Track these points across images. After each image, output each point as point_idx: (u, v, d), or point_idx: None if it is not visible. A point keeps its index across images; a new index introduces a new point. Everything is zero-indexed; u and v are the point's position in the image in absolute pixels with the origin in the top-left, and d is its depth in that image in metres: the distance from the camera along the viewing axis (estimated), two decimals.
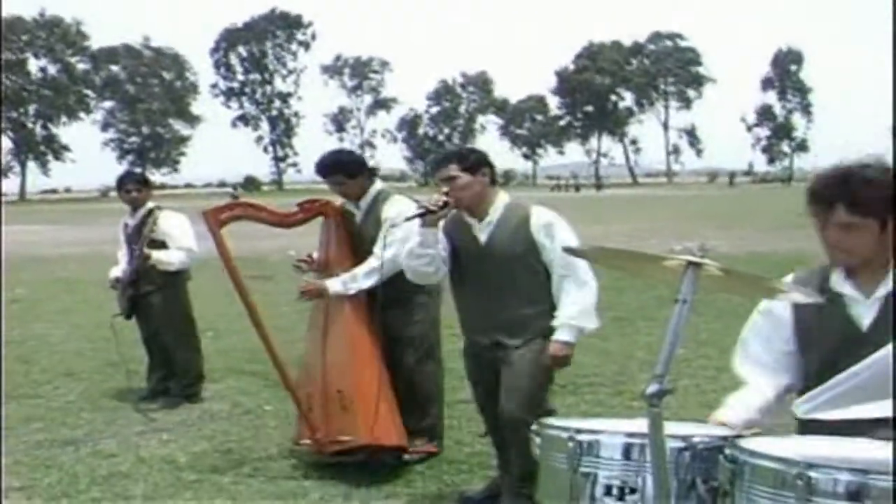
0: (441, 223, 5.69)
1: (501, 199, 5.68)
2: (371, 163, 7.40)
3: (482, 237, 5.63)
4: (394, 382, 6.81)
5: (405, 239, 6.02)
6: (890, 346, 2.56)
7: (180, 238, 8.89)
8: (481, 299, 5.63)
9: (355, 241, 6.98)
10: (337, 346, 6.78)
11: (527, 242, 5.52)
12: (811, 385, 3.31)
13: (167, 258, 8.83)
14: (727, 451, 2.80)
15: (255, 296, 6.73)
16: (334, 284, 6.78)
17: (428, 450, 6.85)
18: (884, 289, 3.40)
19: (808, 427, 3.25)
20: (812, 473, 2.57)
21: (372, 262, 6.69)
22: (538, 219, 5.54)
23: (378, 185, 7.04)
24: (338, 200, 7.11)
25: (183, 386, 9.02)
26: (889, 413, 2.82)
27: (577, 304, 5.46)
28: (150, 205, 9.00)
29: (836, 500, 2.55)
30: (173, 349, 9.08)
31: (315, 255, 7.17)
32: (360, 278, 6.73)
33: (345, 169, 6.91)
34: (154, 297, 8.91)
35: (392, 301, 6.65)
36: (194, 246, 8.90)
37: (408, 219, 5.77)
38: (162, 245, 8.84)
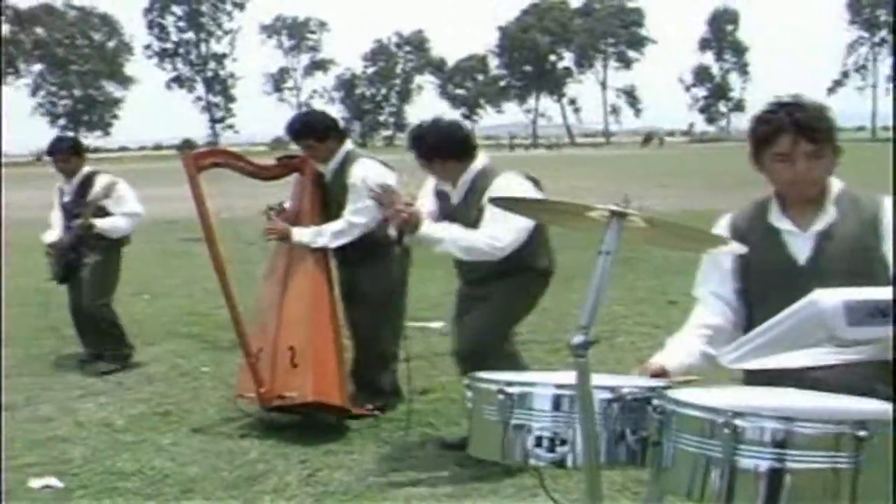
0: (432, 184, 6.09)
1: (476, 165, 5.90)
2: None
3: (454, 199, 5.93)
4: (353, 340, 6.99)
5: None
6: (814, 294, 2.59)
7: (125, 203, 8.74)
8: None
9: (325, 199, 7.04)
10: (296, 302, 6.80)
11: (482, 207, 5.70)
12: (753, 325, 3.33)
13: (112, 225, 8.68)
14: (655, 402, 2.83)
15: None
16: (301, 234, 6.85)
17: (370, 412, 6.86)
18: (820, 223, 3.47)
19: (756, 378, 3.25)
20: (738, 422, 2.59)
21: (341, 224, 6.79)
22: (492, 187, 5.71)
23: (347, 145, 7.05)
24: None
25: (115, 353, 8.83)
26: (814, 362, 2.86)
27: (468, 232, 5.69)
28: (86, 170, 8.87)
29: (763, 447, 2.58)
30: (95, 311, 8.79)
31: (287, 205, 7.18)
32: (328, 236, 6.82)
33: (313, 133, 6.90)
34: (90, 259, 8.68)
35: (357, 259, 6.86)
36: (140, 209, 8.84)
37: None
38: (102, 211, 8.65)
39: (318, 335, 6.71)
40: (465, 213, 5.80)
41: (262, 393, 6.64)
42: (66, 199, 8.87)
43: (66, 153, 8.87)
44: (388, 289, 6.97)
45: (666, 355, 3.45)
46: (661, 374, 3.28)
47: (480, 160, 5.92)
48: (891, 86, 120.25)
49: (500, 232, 5.58)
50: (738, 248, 3.21)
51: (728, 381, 4.30)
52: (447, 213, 5.94)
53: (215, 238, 6.67)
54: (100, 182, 8.73)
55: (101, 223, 8.60)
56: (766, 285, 3.45)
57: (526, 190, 5.71)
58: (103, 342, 8.88)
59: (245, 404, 6.93)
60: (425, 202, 6.08)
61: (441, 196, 6.03)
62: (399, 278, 7.05)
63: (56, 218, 9.02)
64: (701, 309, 3.69)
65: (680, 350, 3.50)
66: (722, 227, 3.72)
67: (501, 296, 5.92)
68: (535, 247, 5.84)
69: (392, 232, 5.93)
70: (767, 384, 3.15)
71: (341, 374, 6.74)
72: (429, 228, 5.73)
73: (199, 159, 6.58)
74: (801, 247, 3.48)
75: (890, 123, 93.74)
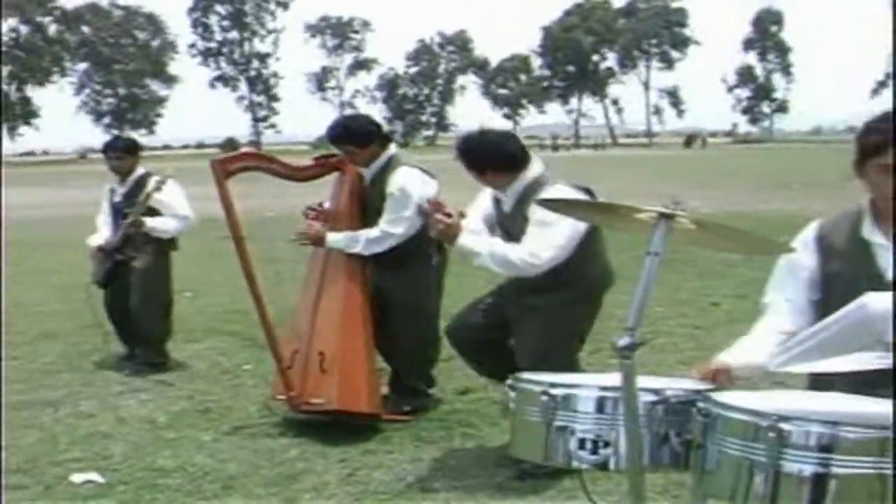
0: (488, 194, 6.00)
1: (527, 174, 5.75)
2: None
3: (506, 207, 5.85)
4: (385, 343, 6.91)
5: (413, 217, 6.50)
6: (863, 298, 2.56)
7: (176, 206, 8.67)
8: None
9: (364, 202, 6.97)
10: (328, 307, 6.76)
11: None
12: None
13: (163, 226, 8.62)
14: (700, 405, 2.81)
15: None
16: (336, 239, 6.79)
17: (403, 415, 6.84)
18: None
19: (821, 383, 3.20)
20: (783, 426, 2.57)
21: (376, 233, 6.71)
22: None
23: (391, 150, 6.93)
24: None
25: (146, 354, 8.77)
26: (861, 366, 2.83)
27: (507, 247, 5.61)
28: (140, 171, 8.82)
29: (808, 451, 2.56)
30: (139, 316, 8.72)
31: (326, 204, 7.14)
32: (363, 243, 6.74)
33: (353, 139, 6.80)
34: (137, 262, 8.62)
35: (392, 265, 6.79)
36: (190, 213, 8.74)
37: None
38: (152, 212, 8.62)
39: (347, 341, 6.67)
40: (514, 221, 5.71)
41: (292, 397, 6.66)
42: (118, 199, 8.83)
43: (121, 150, 8.82)
44: (422, 293, 6.92)
45: (732, 354, 3.38)
46: (724, 371, 3.22)
47: (534, 168, 5.77)
48: None
49: (538, 249, 5.48)
50: (792, 248, 3.15)
51: (770, 385, 4.25)
52: (500, 219, 5.90)
53: (245, 245, 6.64)
54: (152, 182, 8.61)
55: (150, 221, 8.54)
56: (848, 298, 3.16)
57: None
58: (139, 344, 8.87)
59: (277, 406, 6.96)
60: (482, 206, 6.03)
61: (497, 202, 5.95)
62: (433, 283, 7.00)
63: (103, 221, 8.99)
64: (773, 316, 3.60)
65: (748, 351, 3.41)
66: (808, 233, 3.62)
67: (551, 318, 5.76)
68: (584, 258, 5.69)
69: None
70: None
71: (370, 380, 6.68)
72: (467, 241, 5.64)
73: (227, 164, 6.54)
74: (891, 261, 3.37)
75: None
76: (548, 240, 5.45)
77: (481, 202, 6.06)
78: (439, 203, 5.71)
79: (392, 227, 6.67)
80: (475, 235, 5.75)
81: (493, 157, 5.74)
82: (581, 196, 5.56)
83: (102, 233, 8.89)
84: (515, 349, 5.90)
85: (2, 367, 8.61)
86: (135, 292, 8.68)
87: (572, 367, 5.79)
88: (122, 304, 8.80)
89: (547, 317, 5.73)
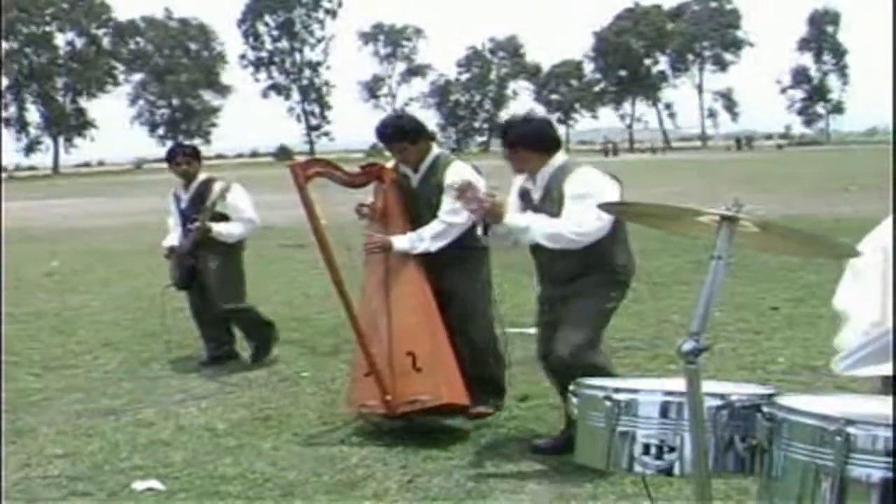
0: (518, 182, 6.23)
1: (555, 161, 6.03)
2: None
3: (535, 195, 6.08)
4: (459, 343, 6.92)
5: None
6: None
7: (244, 210, 9.00)
8: (538, 249, 6.08)
9: (409, 203, 7.02)
10: (404, 309, 6.80)
11: (561, 200, 5.88)
12: None
13: (228, 230, 8.90)
14: (765, 409, 2.79)
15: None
16: (401, 242, 6.84)
17: (485, 411, 6.94)
18: None
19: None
20: (851, 430, 2.55)
21: (439, 226, 6.78)
22: (571, 178, 5.90)
23: (436, 149, 7.07)
24: (388, 164, 7.15)
25: (256, 349, 9.21)
26: None
27: (553, 220, 5.83)
28: (202, 176, 9.11)
29: (875, 456, 2.53)
30: (232, 317, 9.16)
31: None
32: (428, 240, 6.80)
33: (407, 136, 6.91)
34: (212, 264, 8.92)
35: (447, 260, 6.83)
36: (256, 217, 9.11)
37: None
38: (221, 217, 8.92)
39: (435, 337, 6.72)
40: (546, 207, 5.93)
41: (388, 401, 6.63)
42: (184, 205, 9.09)
43: (189, 155, 9.11)
44: (474, 288, 6.99)
45: None
46: None
47: (560, 157, 6.05)
48: None
49: (584, 220, 5.69)
50: (857, 251, 3.09)
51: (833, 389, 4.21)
52: (530, 210, 6.05)
53: (330, 249, 6.66)
54: (217, 187, 8.95)
55: (217, 227, 8.83)
56: None
57: (604, 182, 5.87)
58: (228, 343, 9.26)
59: (369, 413, 6.91)
60: (511, 201, 6.18)
61: (524, 194, 6.14)
62: (480, 278, 7.06)
63: (173, 224, 9.28)
64: None
65: None
66: None
67: (585, 302, 5.96)
68: (614, 243, 5.93)
69: (478, 229, 6.02)
70: None
71: (459, 372, 6.74)
72: (513, 218, 5.87)
73: (305, 169, 6.62)
74: None
75: None
76: (592, 212, 5.59)
77: (509, 202, 6.19)
78: (470, 183, 5.95)
79: (453, 217, 6.72)
80: (520, 213, 6.01)
81: (526, 133, 6.07)
82: (610, 180, 5.92)
83: (174, 235, 9.19)
84: (549, 346, 6.07)
85: (2, 369, 8.76)
86: (217, 293, 8.96)
87: (599, 363, 5.94)
88: (202, 305, 9.14)
89: (580, 311, 5.97)
